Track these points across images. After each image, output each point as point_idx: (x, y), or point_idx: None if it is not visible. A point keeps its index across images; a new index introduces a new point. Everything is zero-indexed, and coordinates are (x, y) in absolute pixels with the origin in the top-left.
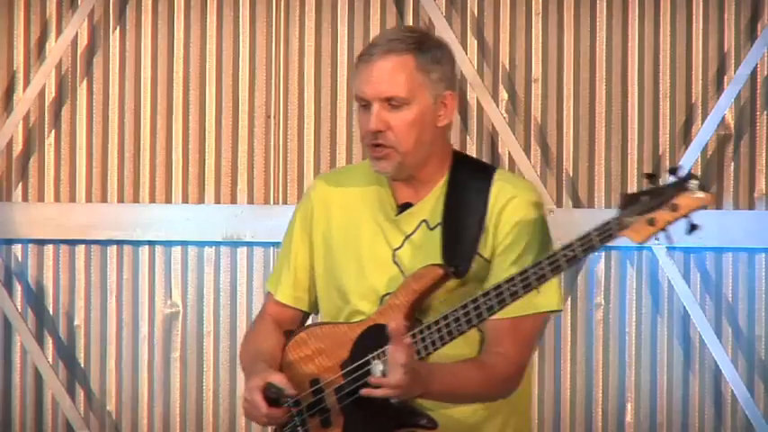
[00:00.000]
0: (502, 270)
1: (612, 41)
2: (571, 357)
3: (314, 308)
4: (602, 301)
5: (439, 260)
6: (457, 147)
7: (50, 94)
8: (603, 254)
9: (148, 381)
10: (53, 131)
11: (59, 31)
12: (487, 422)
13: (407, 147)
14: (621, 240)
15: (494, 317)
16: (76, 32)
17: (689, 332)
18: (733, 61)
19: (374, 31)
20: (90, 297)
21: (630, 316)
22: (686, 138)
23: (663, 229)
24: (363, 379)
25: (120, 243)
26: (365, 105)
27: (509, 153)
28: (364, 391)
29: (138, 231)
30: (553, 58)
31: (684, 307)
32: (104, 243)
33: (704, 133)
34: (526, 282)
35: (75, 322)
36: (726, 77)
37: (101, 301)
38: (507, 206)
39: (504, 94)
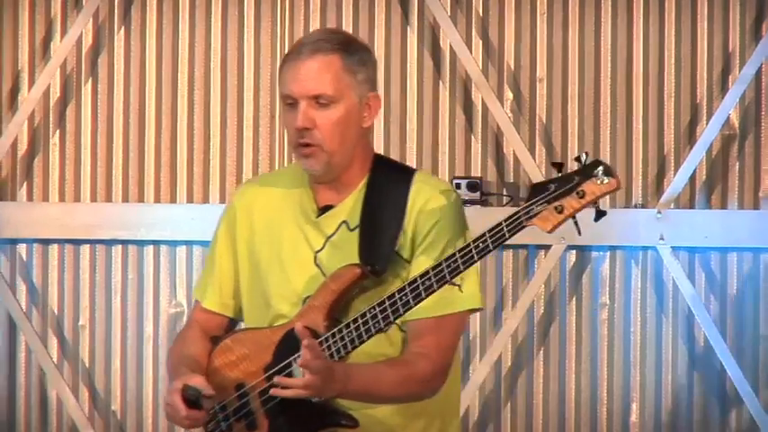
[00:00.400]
0: (422, 268)
1: (617, 41)
2: (576, 357)
3: (240, 314)
4: (607, 301)
5: (357, 260)
6: (461, 146)
7: (55, 93)
8: (608, 254)
9: (153, 380)
10: (58, 131)
11: (64, 31)
12: (411, 423)
13: (333, 145)
14: (623, 239)
15: (415, 316)
16: (81, 32)
17: (694, 332)
18: (738, 61)
19: (379, 31)
20: (94, 297)
21: (635, 316)
22: (691, 137)
23: (571, 217)
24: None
25: (124, 243)
26: (291, 104)
27: (514, 153)
28: (273, 391)
29: (143, 231)
30: (558, 57)
31: (689, 307)
32: (109, 243)
33: (709, 133)
34: (440, 275)
35: (80, 322)
36: (730, 77)
37: (105, 301)
38: (426, 207)
39: (508, 94)
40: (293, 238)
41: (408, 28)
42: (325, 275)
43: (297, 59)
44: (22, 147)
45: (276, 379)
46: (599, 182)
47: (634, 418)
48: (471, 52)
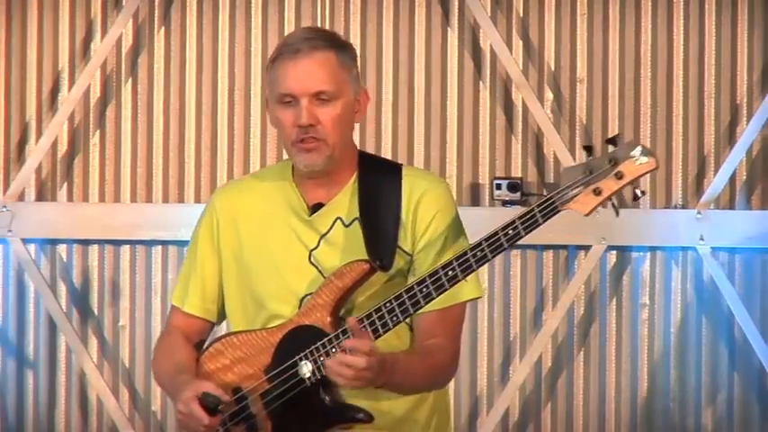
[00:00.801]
0: (428, 259)
1: (657, 42)
2: (616, 358)
3: (220, 319)
4: (647, 302)
5: (360, 256)
6: (502, 146)
7: (95, 94)
8: (648, 254)
9: None
10: (98, 131)
11: (104, 32)
12: (415, 412)
13: (335, 140)
14: (663, 239)
15: (422, 309)
16: (121, 32)
17: (733, 332)
18: None
19: (419, 31)
20: (135, 297)
21: (675, 316)
22: (731, 138)
23: (608, 199)
24: (291, 381)
25: (164, 243)
26: (289, 102)
27: (554, 153)
28: (330, 371)
29: (183, 231)
30: (598, 58)
31: (729, 307)
32: (149, 243)
33: (749, 133)
34: (465, 264)
35: (120, 322)
36: None
37: (145, 302)
38: (422, 199)
39: (549, 95)
40: (285, 238)
41: (449, 29)
42: (322, 273)
43: (294, 58)
44: (63, 147)
45: (348, 344)
46: (637, 162)
47: (674, 418)
48: (511, 53)
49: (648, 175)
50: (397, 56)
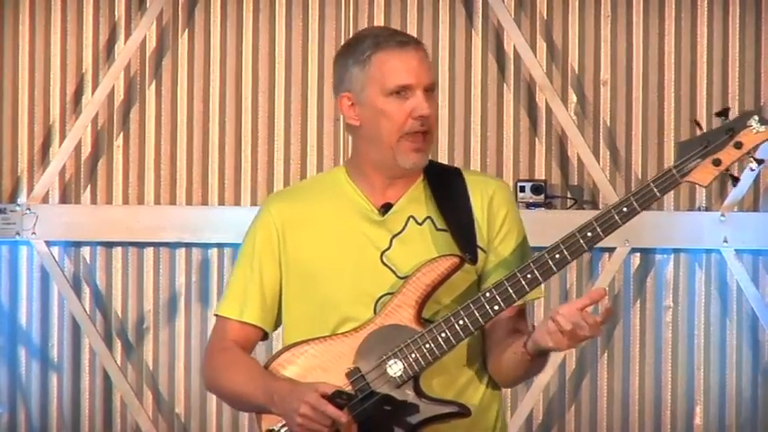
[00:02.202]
0: (504, 256)
1: (681, 44)
2: (640, 360)
3: (276, 328)
4: (671, 304)
5: (434, 254)
6: (526, 148)
7: (119, 96)
8: (672, 257)
9: None
10: (121, 134)
11: (128, 34)
12: (491, 405)
13: (435, 134)
14: (687, 242)
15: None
16: (145, 35)
17: (757, 334)
18: None
19: (444, 33)
20: (158, 299)
21: (699, 318)
22: None
23: (727, 169)
24: (383, 383)
25: (188, 245)
26: (399, 94)
27: (578, 155)
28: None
29: (207, 234)
30: (622, 60)
31: (753, 309)
32: (173, 245)
33: None
34: (573, 247)
35: (144, 324)
36: None
37: (169, 304)
38: (494, 197)
39: (573, 97)
40: (353, 240)
41: (472, 30)
42: (395, 273)
43: (404, 50)
44: (86, 149)
45: (607, 307)
46: (754, 131)
47: (698, 420)
48: (535, 55)
49: None
50: None
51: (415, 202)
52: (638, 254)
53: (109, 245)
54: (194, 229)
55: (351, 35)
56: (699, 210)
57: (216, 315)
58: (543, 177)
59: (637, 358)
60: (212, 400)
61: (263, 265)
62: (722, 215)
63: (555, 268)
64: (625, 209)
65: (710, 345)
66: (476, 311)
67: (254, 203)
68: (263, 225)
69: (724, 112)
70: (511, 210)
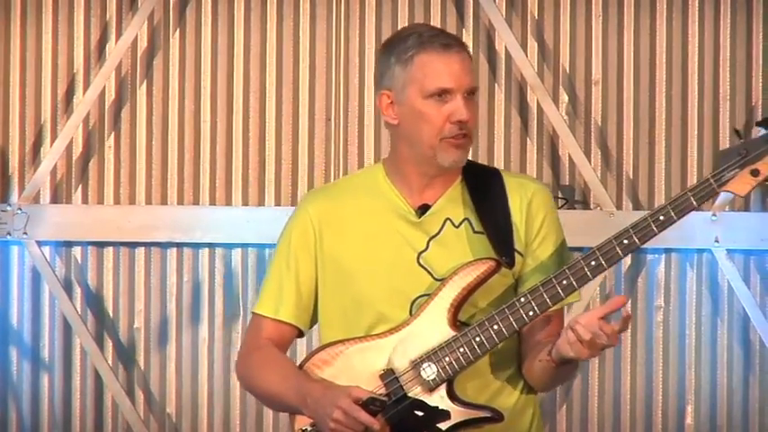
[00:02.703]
0: (544, 260)
1: (672, 44)
2: (631, 359)
3: (311, 326)
4: (663, 304)
5: (470, 257)
6: (517, 148)
7: (110, 96)
8: (664, 256)
9: (208, 383)
10: (113, 134)
11: (119, 33)
12: (526, 409)
13: (473, 137)
14: (678, 241)
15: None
16: (136, 34)
17: (749, 334)
18: None
19: None
20: (150, 299)
21: (690, 318)
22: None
23: (766, 180)
24: (416, 385)
25: (179, 245)
26: (440, 97)
27: (569, 155)
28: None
29: (199, 234)
30: (613, 60)
31: (744, 309)
32: (164, 245)
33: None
34: (609, 254)
35: (135, 325)
36: None
37: (160, 304)
38: (533, 200)
39: (564, 97)
40: (390, 241)
41: (463, 30)
42: (432, 275)
43: (446, 53)
44: (78, 149)
45: (625, 315)
46: None
47: (689, 420)
48: (526, 55)
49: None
50: None
51: (453, 203)
52: (630, 253)
53: (100, 245)
54: (186, 229)
55: (341, 36)
56: None
57: (252, 313)
58: (534, 177)
59: (628, 358)
60: (204, 400)
61: (299, 262)
62: (714, 215)
63: (590, 275)
64: (662, 217)
65: (702, 344)
66: (510, 316)
67: (245, 203)
68: (300, 223)
69: (765, 122)
70: (549, 213)
